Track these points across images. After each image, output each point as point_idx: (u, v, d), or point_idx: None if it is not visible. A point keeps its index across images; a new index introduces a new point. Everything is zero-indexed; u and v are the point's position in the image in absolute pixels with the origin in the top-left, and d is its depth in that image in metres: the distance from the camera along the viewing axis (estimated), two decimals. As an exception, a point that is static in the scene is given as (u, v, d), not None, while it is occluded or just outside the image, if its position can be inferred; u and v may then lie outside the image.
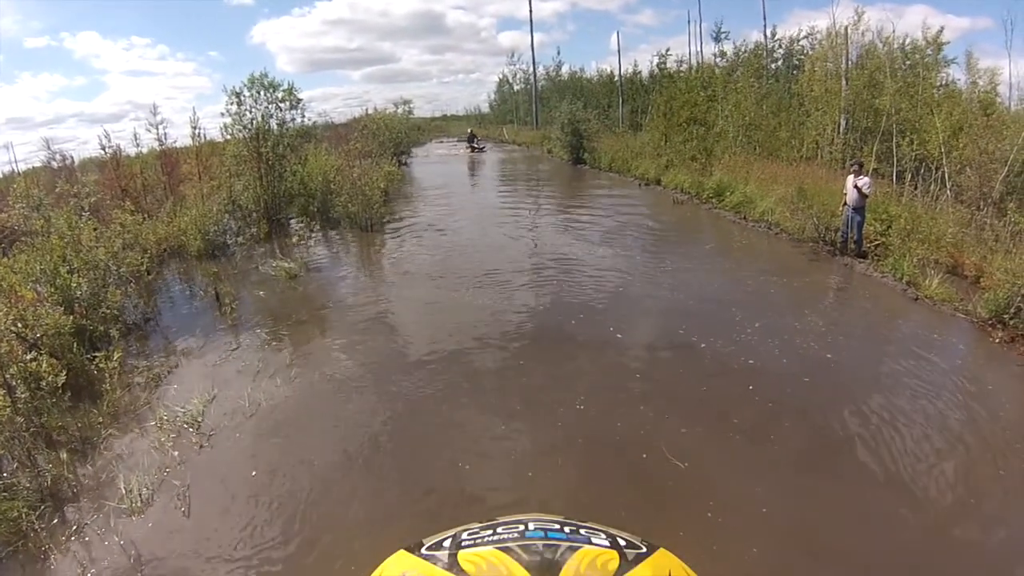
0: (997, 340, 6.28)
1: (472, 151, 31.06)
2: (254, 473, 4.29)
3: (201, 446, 4.68)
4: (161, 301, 8.30)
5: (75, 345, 5.81)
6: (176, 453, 4.58)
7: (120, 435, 4.90)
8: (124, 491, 4.06)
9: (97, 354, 5.76)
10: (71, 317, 5.99)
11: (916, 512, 3.74)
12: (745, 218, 12.24)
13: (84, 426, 4.91)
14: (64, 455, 4.45)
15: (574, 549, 0.71)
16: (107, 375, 5.51)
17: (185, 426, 4.92)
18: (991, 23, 32.07)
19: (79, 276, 6.54)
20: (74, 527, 3.83)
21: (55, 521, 3.89)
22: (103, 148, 12.09)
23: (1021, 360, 5.81)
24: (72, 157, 12.25)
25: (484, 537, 0.76)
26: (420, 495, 4.00)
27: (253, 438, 4.79)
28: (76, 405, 5.17)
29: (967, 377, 5.50)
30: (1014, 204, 8.88)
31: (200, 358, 6.43)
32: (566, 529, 0.77)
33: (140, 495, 4.03)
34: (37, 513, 3.84)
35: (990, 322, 6.56)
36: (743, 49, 21.01)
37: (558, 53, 48.47)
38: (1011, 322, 6.36)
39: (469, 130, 34.53)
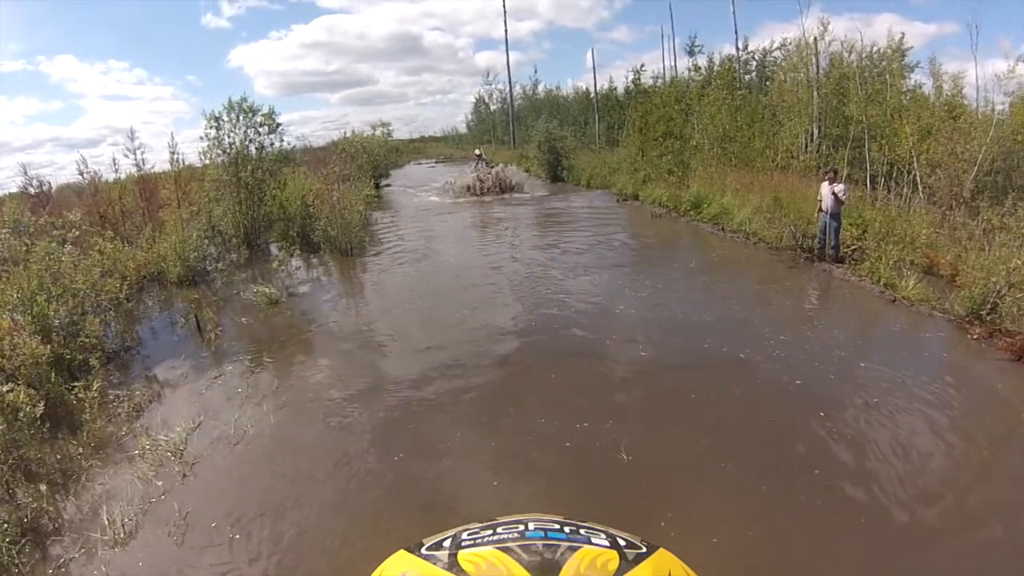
0: (974, 336, 6.39)
1: (481, 190, 20.87)
2: (241, 500, 4.21)
3: (184, 475, 4.58)
4: (141, 329, 8.17)
5: (53, 375, 5.68)
6: (160, 483, 4.47)
7: (101, 466, 4.79)
8: (107, 523, 3.96)
9: (76, 384, 5.66)
10: (49, 346, 5.87)
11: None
12: (723, 229, 12.40)
13: (64, 458, 4.80)
14: (44, 488, 4.33)
15: (574, 549, 0.71)
16: (87, 405, 5.40)
17: (168, 455, 4.82)
18: (957, 28, 33.05)
19: (57, 304, 6.43)
20: (56, 561, 3.72)
21: (36, 556, 3.78)
22: (81, 174, 12.01)
23: (999, 355, 5.91)
24: (49, 183, 12.12)
25: (484, 537, 0.76)
26: (415, 515, 3.95)
27: (239, 465, 4.71)
28: (55, 436, 5.05)
29: (954, 376, 5.58)
30: (986, 202, 9.09)
31: (182, 386, 6.33)
32: (566, 529, 0.77)
33: (123, 526, 3.94)
34: (17, 548, 3.73)
35: (967, 319, 6.67)
36: (716, 63, 21.41)
37: (535, 72, 48.99)
38: (988, 318, 6.47)
39: (477, 151, 25.03)
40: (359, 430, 5.12)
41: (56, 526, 4.05)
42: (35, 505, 4.13)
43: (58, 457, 4.78)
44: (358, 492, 4.25)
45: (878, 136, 13.05)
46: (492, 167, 22.74)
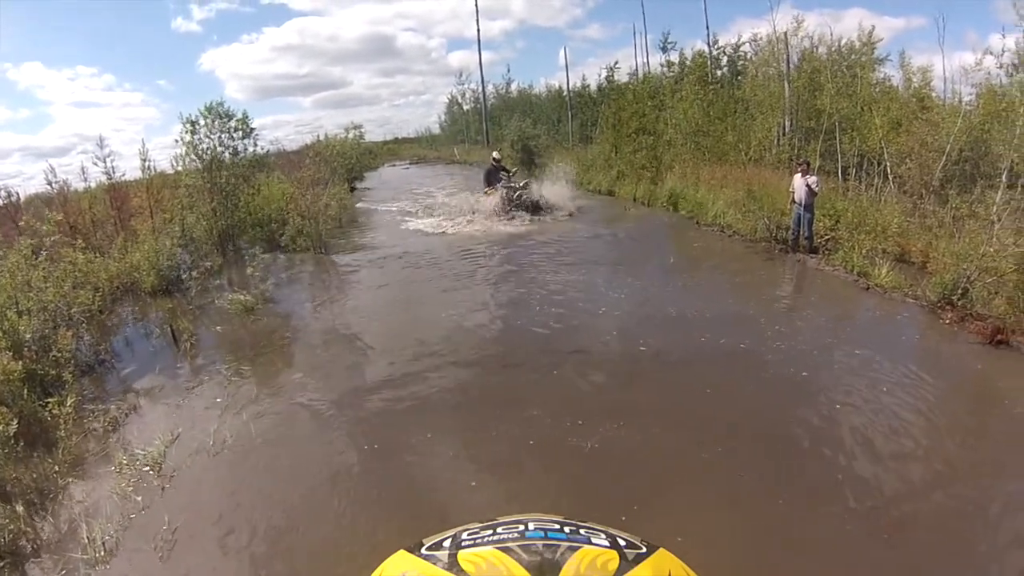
0: (947, 321, 6.56)
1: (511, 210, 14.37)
2: (223, 510, 4.14)
3: (164, 488, 4.48)
4: (116, 341, 7.98)
5: (26, 391, 5.53)
6: (139, 498, 4.37)
7: (79, 483, 4.67)
8: (86, 541, 3.86)
9: (50, 400, 5.52)
10: (20, 362, 5.72)
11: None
12: (698, 223, 12.55)
13: (40, 476, 4.66)
14: (21, 508, 4.22)
15: (574, 549, 0.71)
16: (61, 421, 5.27)
17: (146, 469, 4.71)
18: (925, 22, 33.60)
19: (28, 318, 6.27)
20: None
21: (14, 579, 3.69)
22: (49, 183, 11.71)
23: (972, 338, 6.07)
24: (18, 193, 11.78)
25: (484, 537, 0.75)
26: (408, 517, 3.91)
27: (220, 476, 4.63)
28: (30, 455, 4.91)
29: (937, 362, 5.74)
30: (955, 190, 9.31)
31: (159, 398, 6.19)
32: (566, 529, 0.76)
33: (103, 544, 3.85)
34: (-6, 572, 3.64)
35: (939, 304, 6.83)
36: (688, 58, 21.56)
37: (508, 71, 48.91)
38: (959, 303, 6.64)
39: (494, 155, 16.37)
40: (341, 435, 5.05)
41: (35, 547, 3.94)
42: (12, 527, 4.01)
43: (34, 476, 4.65)
44: (344, 496, 4.20)
45: (849, 128, 13.29)
46: (518, 182, 15.23)
